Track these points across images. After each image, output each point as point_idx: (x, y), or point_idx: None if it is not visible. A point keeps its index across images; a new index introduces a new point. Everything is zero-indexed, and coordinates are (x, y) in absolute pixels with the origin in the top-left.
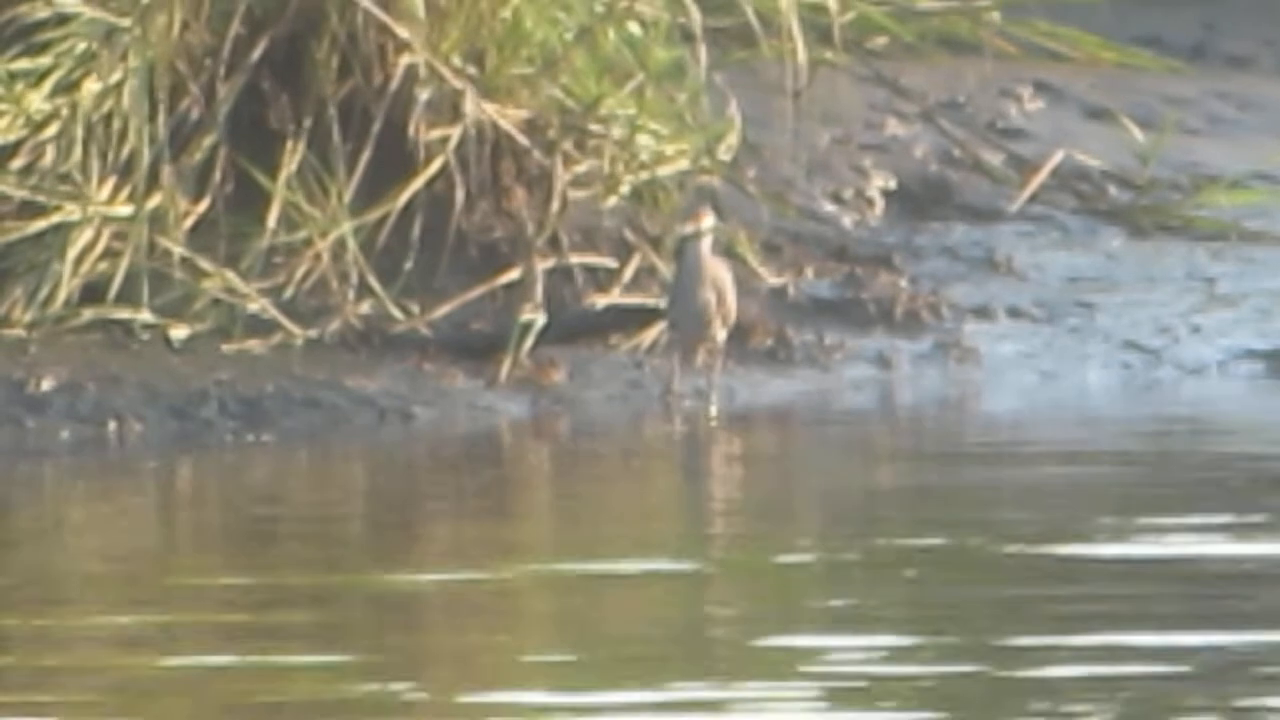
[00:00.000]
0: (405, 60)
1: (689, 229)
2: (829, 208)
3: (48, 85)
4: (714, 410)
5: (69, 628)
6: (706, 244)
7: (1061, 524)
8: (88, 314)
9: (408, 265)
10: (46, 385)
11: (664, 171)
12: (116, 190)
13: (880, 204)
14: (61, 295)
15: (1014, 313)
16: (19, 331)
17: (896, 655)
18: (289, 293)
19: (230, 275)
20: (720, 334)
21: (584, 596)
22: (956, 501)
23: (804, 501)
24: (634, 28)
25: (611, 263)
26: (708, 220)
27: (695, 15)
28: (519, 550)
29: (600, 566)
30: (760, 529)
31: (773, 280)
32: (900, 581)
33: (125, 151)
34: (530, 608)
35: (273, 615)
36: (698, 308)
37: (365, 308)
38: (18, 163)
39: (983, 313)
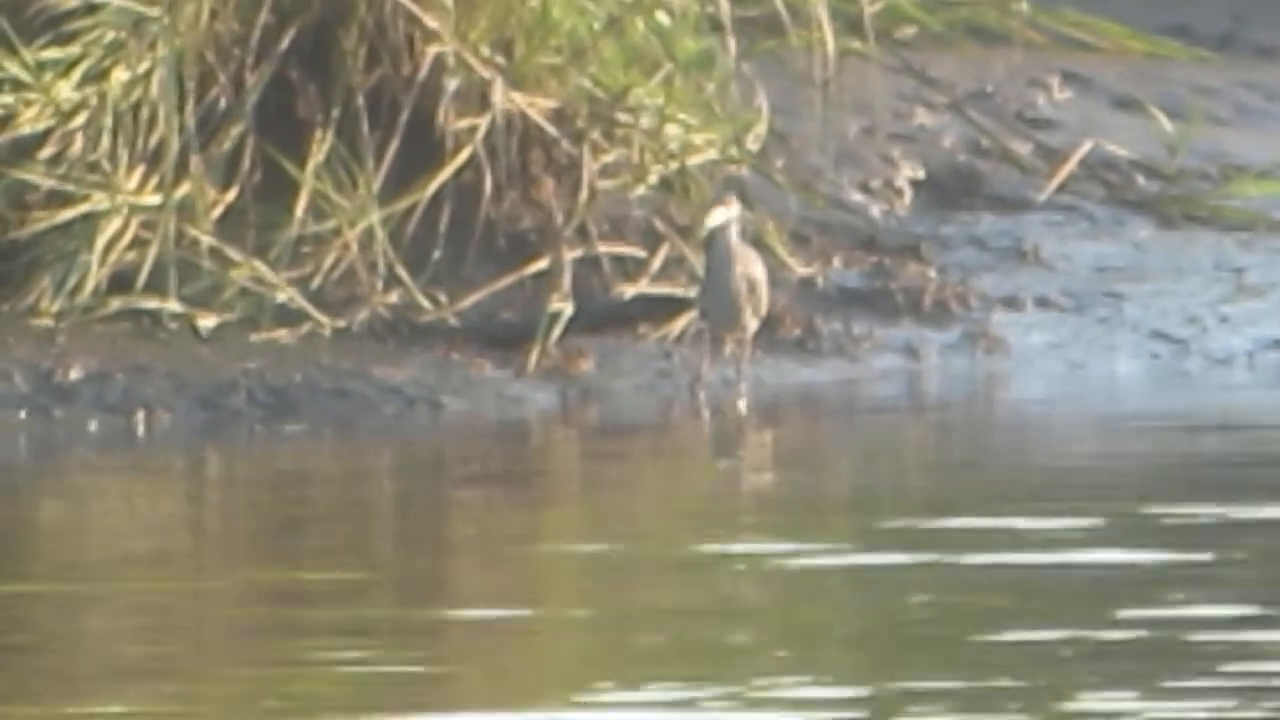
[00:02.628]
0: (433, 50)
1: (718, 219)
2: (857, 197)
3: (76, 74)
4: (743, 400)
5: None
6: (735, 232)
7: None
8: (116, 303)
9: (436, 255)
10: (75, 375)
11: (692, 161)
12: (145, 179)
13: (908, 194)
14: (90, 285)
15: (1042, 303)
16: (47, 321)
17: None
18: (317, 282)
19: (258, 265)
20: (752, 324)
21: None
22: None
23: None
24: (662, 17)
25: (640, 252)
26: (733, 208)
27: (724, 5)
28: (549, 540)
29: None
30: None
31: (801, 270)
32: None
33: (154, 141)
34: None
35: (298, 611)
36: (729, 297)
37: (393, 297)
38: (46, 152)
39: (1011, 303)
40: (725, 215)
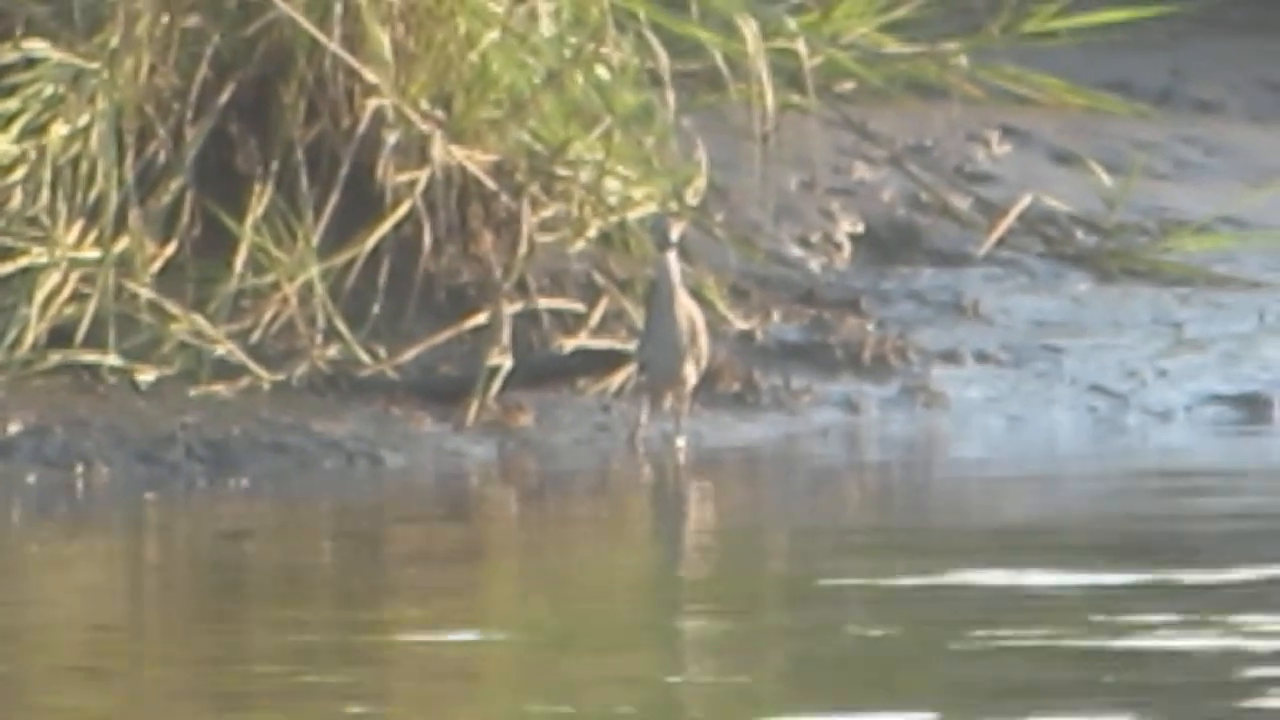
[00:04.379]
0: (373, 103)
1: (667, 239)
2: (796, 252)
3: (15, 129)
4: (681, 454)
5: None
6: (676, 277)
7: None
8: (55, 357)
9: (375, 309)
10: (13, 429)
11: (632, 215)
12: (84, 233)
13: (848, 248)
14: (29, 338)
15: (981, 357)
16: None
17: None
18: (256, 336)
19: (198, 319)
20: (692, 376)
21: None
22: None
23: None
24: (602, 72)
25: (579, 306)
26: (677, 230)
27: (663, 59)
28: (491, 607)
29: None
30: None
31: (740, 324)
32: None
33: (93, 195)
34: (500, 668)
35: (239, 677)
36: (671, 346)
37: (333, 351)
38: None
39: (950, 357)
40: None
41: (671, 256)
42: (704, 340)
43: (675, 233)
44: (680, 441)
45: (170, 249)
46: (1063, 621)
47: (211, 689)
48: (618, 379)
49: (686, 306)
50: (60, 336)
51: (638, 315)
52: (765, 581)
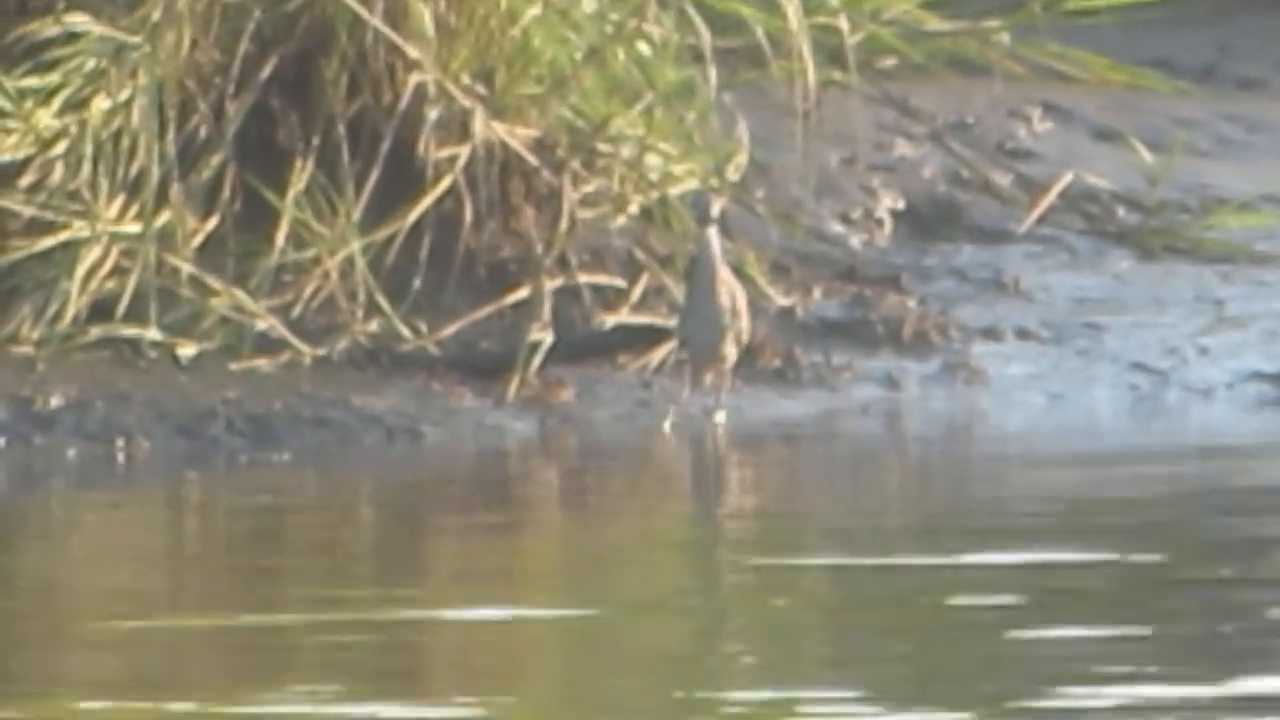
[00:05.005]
0: (414, 79)
1: (712, 206)
2: (837, 228)
3: (57, 102)
4: (721, 430)
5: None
6: (719, 256)
7: None
8: (96, 332)
9: (416, 284)
10: (54, 403)
11: (673, 191)
12: (125, 208)
13: (889, 224)
14: (70, 313)
15: (1022, 334)
16: (27, 349)
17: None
18: (297, 311)
19: (238, 293)
20: (732, 352)
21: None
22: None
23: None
24: (643, 48)
25: (620, 282)
26: (716, 207)
27: (705, 36)
28: (525, 584)
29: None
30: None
31: (781, 300)
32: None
33: (134, 169)
34: (536, 646)
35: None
36: (712, 322)
37: (373, 326)
38: (26, 180)
39: (991, 334)
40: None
41: (712, 233)
42: (745, 317)
43: (716, 209)
44: (720, 417)
45: (211, 223)
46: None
47: (243, 660)
48: (658, 355)
49: (728, 283)
50: (101, 311)
51: (678, 291)
52: (800, 560)
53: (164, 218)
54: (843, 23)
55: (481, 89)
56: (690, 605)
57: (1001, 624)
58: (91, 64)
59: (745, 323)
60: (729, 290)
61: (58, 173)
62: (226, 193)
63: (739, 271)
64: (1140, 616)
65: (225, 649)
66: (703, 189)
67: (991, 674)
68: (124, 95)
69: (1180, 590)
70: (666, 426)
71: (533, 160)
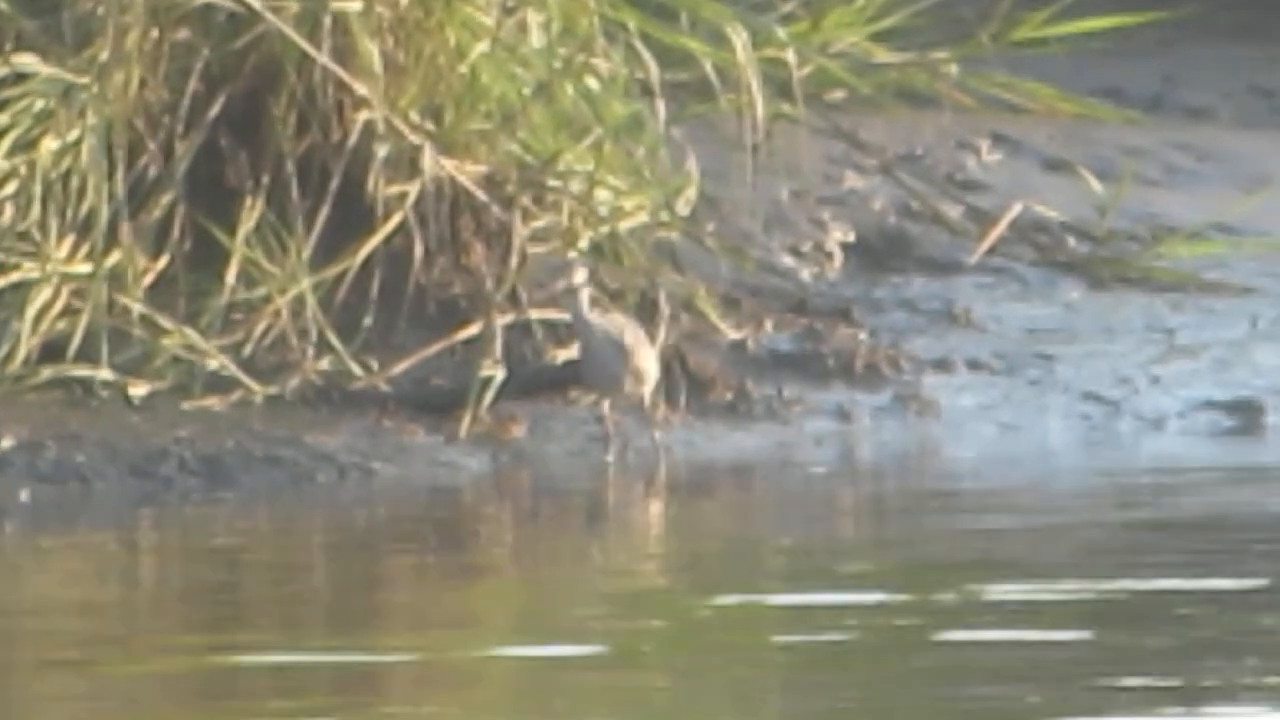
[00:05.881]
0: (363, 116)
1: (561, 286)
2: (788, 261)
3: (5, 143)
4: (661, 466)
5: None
6: (584, 301)
7: None
8: (47, 372)
9: (367, 321)
10: (6, 444)
11: (623, 226)
12: (75, 248)
13: (839, 257)
14: (20, 353)
15: (973, 365)
16: None
17: None
18: (248, 349)
19: (190, 332)
20: (638, 390)
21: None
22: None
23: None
24: (592, 82)
25: (571, 318)
26: (579, 275)
27: (653, 70)
28: (478, 625)
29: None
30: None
31: (732, 334)
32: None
33: (84, 209)
34: (490, 685)
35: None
36: (599, 366)
37: (325, 364)
38: None
39: (942, 365)
40: (574, 280)
41: (581, 294)
42: (641, 355)
43: (580, 276)
44: (659, 454)
45: (162, 263)
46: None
47: (198, 704)
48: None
49: (618, 322)
50: (52, 351)
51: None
52: (744, 595)
53: (114, 257)
54: (791, 56)
55: (430, 125)
56: (645, 648)
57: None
58: (40, 104)
59: (642, 359)
60: (618, 328)
61: (7, 214)
62: (176, 232)
63: (689, 306)
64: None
65: (180, 692)
66: (562, 258)
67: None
68: (73, 135)
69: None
70: (610, 458)
71: (482, 196)
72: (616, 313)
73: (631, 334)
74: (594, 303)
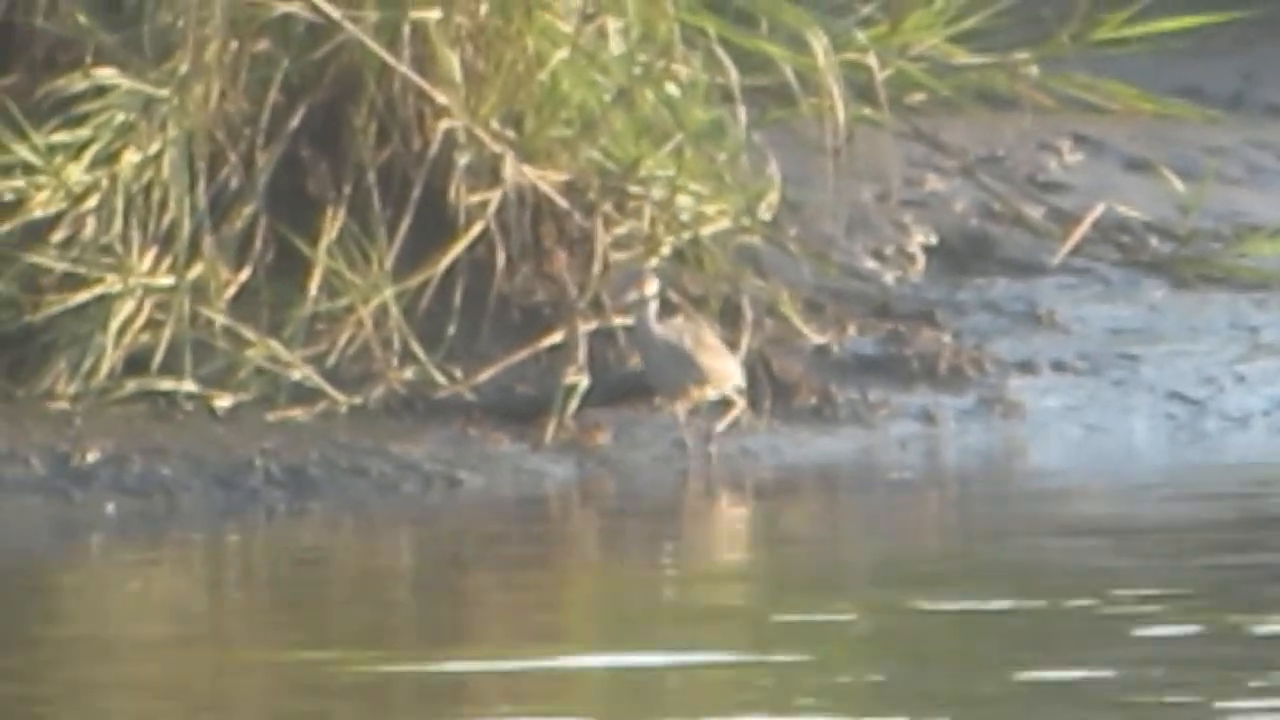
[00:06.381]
0: (444, 125)
1: (632, 296)
2: (871, 265)
3: (87, 157)
4: (691, 470)
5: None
6: (652, 311)
7: None
8: (131, 385)
9: (450, 330)
10: (91, 458)
11: (705, 231)
12: (158, 261)
13: (922, 260)
14: (105, 367)
15: (1058, 366)
16: (63, 404)
17: None
18: (332, 360)
19: (273, 343)
20: (702, 395)
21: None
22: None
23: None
24: (672, 88)
25: (635, 327)
26: (650, 287)
27: (733, 75)
28: (566, 635)
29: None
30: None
31: (816, 338)
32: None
33: (166, 222)
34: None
35: (320, 701)
36: (662, 374)
37: (409, 373)
38: (59, 235)
39: (1026, 367)
40: (645, 292)
41: (649, 305)
42: (706, 360)
43: (651, 288)
44: (712, 449)
45: (244, 274)
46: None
47: (288, 714)
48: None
49: (679, 328)
50: (136, 364)
51: (713, 331)
52: (839, 605)
53: (197, 270)
54: (871, 59)
55: (511, 133)
56: (738, 659)
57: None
58: (121, 118)
59: (708, 363)
60: (679, 333)
61: (90, 227)
62: (259, 243)
63: (772, 310)
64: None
65: (267, 705)
66: (633, 267)
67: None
68: (154, 148)
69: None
70: (689, 464)
71: (564, 203)
72: (681, 318)
73: (693, 337)
74: (673, 309)
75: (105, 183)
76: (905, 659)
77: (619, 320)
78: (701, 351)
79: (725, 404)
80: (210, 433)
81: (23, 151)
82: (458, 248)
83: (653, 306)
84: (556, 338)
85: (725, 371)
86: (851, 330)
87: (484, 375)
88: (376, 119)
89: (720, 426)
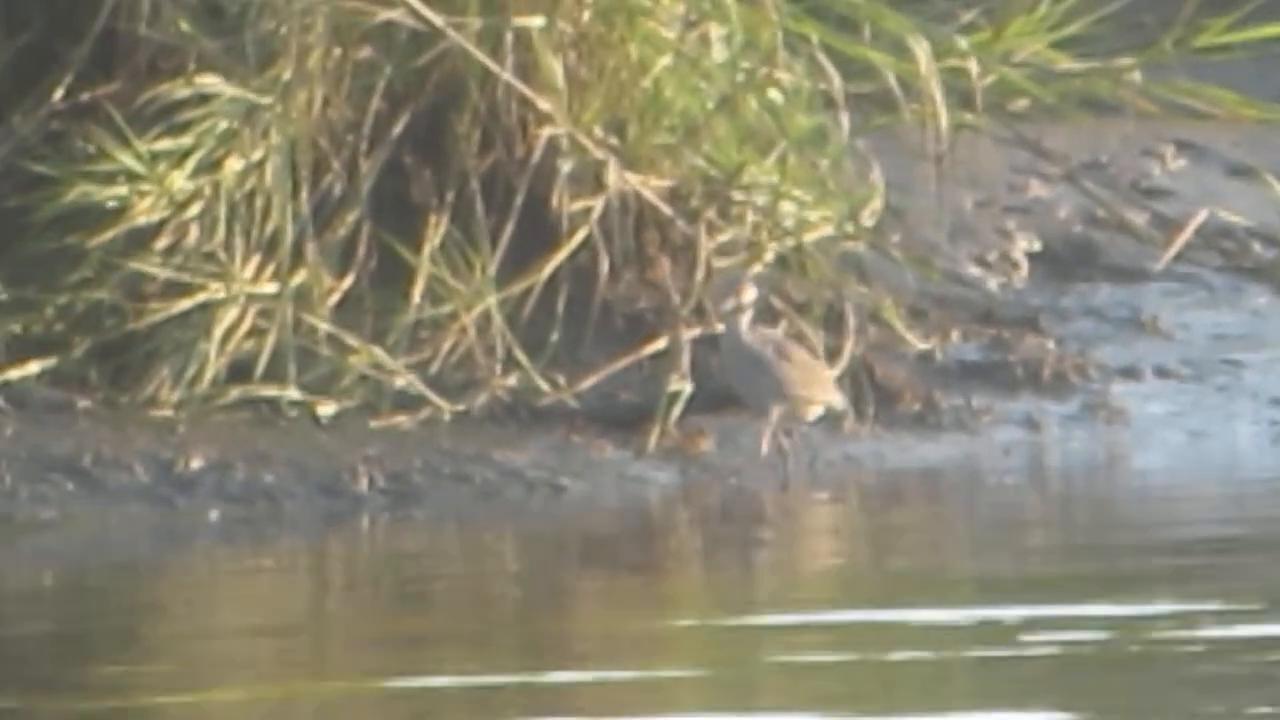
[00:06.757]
0: (547, 132)
1: (729, 304)
2: (974, 271)
3: (190, 164)
4: (789, 478)
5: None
6: (745, 320)
7: None
8: (235, 392)
9: (553, 337)
10: (195, 465)
11: (808, 238)
12: (261, 268)
13: (1025, 266)
14: (208, 374)
15: (1161, 372)
16: (167, 411)
17: None
18: (435, 367)
19: (376, 350)
20: (806, 403)
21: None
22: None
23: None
24: (775, 95)
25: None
26: (749, 294)
27: (836, 81)
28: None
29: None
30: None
31: (919, 345)
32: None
33: (269, 229)
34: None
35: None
36: (741, 384)
37: (512, 380)
38: (162, 242)
39: (1130, 373)
40: (743, 299)
41: (744, 314)
42: (786, 371)
43: (749, 295)
44: (788, 467)
45: (347, 281)
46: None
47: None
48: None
49: (765, 338)
50: (240, 371)
51: (816, 339)
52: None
53: (300, 277)
54: (973, 66)
55: (614, 140)
56: (840, 659)
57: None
58: (224, 125)
59: (786, 375)
60: (763, 343)
61: (193, 235)
62: (362, 250)
63: (875, 317)
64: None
65: (371, 713)
66: (734, 274)
67: None
68: (257, 155)
69: None
70: (789, 471)
71: (667, 210)
72: (777, 329)
73: (778, 350)
74: (775, 318)
75: (208, 190)
76: (1004, 666)
77: (718, 326)
78: (784, 366)
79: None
80: (314, 440)
81: (126, 159)
82: (561, 255)
83: (747, 315)
84: (659, 345)
85: (809, 391)
86: (955, 336)
87: (587, 382)
88: (479, 126)
89: (805, 423)
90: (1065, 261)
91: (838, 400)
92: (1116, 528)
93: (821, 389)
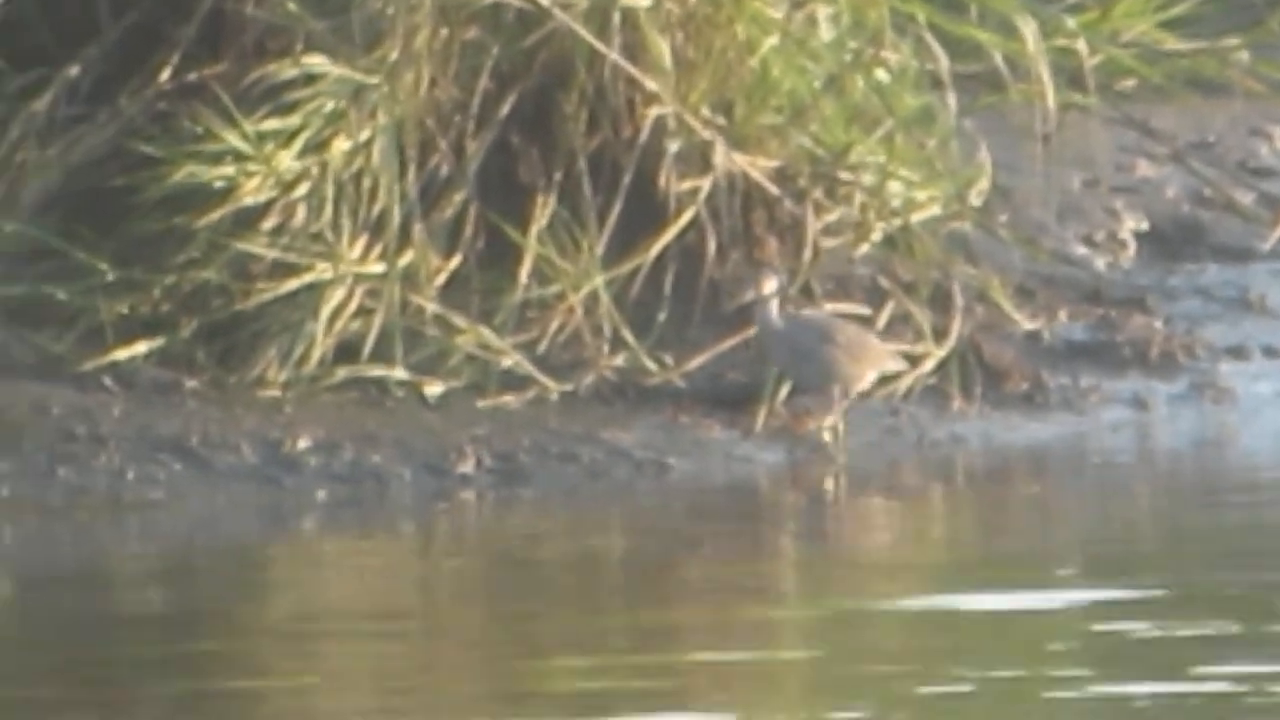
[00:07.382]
0: (654, 112)
1: (749, 296)
2: (1081, 251)
3: (297, 145)
4: (840, 455)
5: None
6: (773, 309)
7: None
8: (342, 373)
9: (661, 317)
10: (302, 445)
11: (916, 218)
12: (368, 248)
13: (1132, 246)
14: (315, 354)
15: (1269, 352)
16: (274, 391)
17: None
18: (543, 347)
19: (483, 331)
20: (844, 388)
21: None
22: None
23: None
24: (882, 75)
25: (865, 310)
26: (769, 286)
27: (943, 61)
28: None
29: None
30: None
31: (1027, 324)
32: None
33: (376, 209)
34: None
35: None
36: (789, 371)
37: (619, 360)
38: (269, 223)
39: (1237, 352)
40: (764, 291)
41: (769, 305)
42: (837, 348)
43: (770, 285)
44: (827, 436)
45: (454, 262)
46: None
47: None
48: (905, 382)
49: (811, 322)
50: (347, 351)
51: (924, 318)
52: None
53: (407, 257)
54: (1081, 45)
55: (721, 120)
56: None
57: None
58: (331, 105)
59: (848, 349)
60: (806, 327)
61: (300, 215)
62: (469, 231)
63: (983, 296)
64: None
65: (476, 692)
66: (765, 266)
67: None
68: (364, 136)
69: None
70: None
71: (774, 190)
72: (813, 309)
73: (819, 333)
74: (884, 296)
75: (315, 170)
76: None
77: (839, 305)
78: (826, 349)
79: (925, 386)
80: (421, 420)
81: (233, 139)
82: (668, 235)
83: (773, 305)
84: None
85: (857, 368)
86: (1062, 316)
87: (694, 362)
88: (587, 106)
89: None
90: (1172, 241)
91: (891, 365)
92: (1226, 507)
93: (871, 361)
